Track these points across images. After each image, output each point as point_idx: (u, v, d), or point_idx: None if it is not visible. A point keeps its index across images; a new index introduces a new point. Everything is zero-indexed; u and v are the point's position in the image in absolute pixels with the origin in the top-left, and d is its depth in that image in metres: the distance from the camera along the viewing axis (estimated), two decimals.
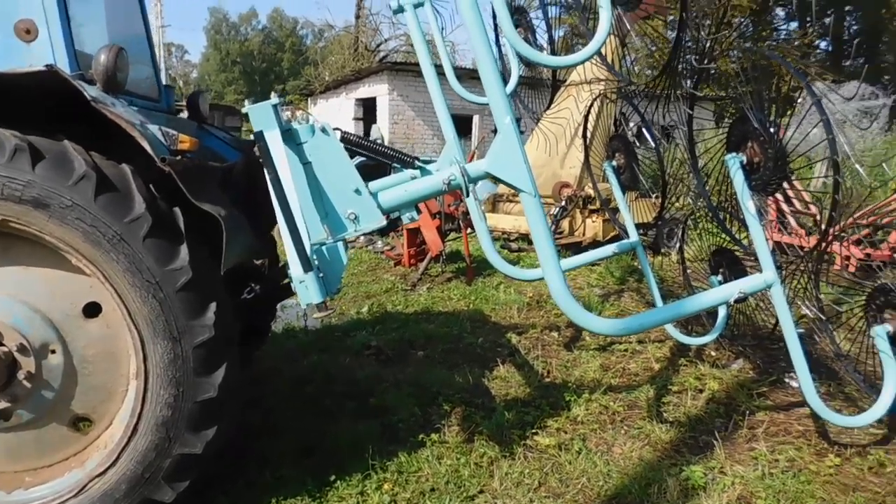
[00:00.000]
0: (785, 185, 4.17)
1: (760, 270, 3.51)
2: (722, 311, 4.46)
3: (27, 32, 2.66)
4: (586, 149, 5.90)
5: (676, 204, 6.02)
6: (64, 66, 2.68)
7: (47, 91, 2.40)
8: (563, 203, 8.89)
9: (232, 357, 2.68)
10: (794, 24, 33.02)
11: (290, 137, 2.56)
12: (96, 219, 2.38)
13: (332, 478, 3.32)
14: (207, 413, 2.62)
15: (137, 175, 2.48)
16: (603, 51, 3.81)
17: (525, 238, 9.42)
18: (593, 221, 9.14)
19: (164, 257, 2.45)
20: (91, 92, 2.36)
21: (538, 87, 5.74)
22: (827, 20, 34.69)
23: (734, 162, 3.46)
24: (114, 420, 2.74)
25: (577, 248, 8.82)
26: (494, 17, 4.93)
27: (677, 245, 5.93)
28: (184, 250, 2.48)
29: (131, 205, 2.42)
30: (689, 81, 4.06)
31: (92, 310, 2.63)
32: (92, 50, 2.97)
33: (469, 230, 7.79)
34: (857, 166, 3.38)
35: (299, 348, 5.47)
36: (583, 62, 3.00)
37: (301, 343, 5.63)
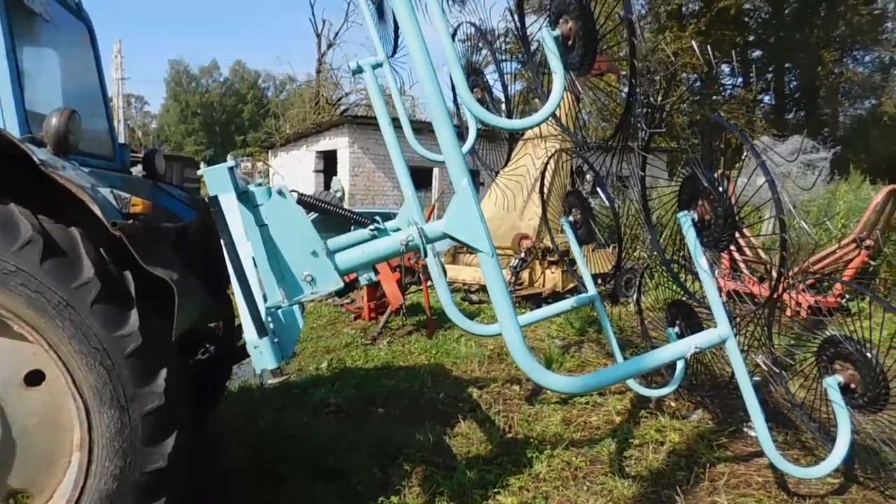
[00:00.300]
0: (736, 233, 4.32)
1: (715, 323, 3.58)
2: (680, 364, 4.51)
3: None
4: (543, 204, 6.00)
5: (633, 255, 6.14)
6: (14, 128, 2.64)
7: None
8: (523, 255, 8.97)
9: (183, 424, 2.59)
10: (740, 79, 34.75)
11: (246, 199, 2.54)
12: (41, 284, 2.31)
13: None
14: (156, 484, 2.51)
15: (87, 238, 2.42)
16: (557, 112, 3.91)
17: (486, 289, 9.43)
18: (552, 273, 9.23)
19: (112, 323, 2.38)
20: (40, 155, 2.32)
21: (495, 141, 5.85)
22: (769, 76, 36.58)
23: (686, 220, 3.55)
24: (54, 494, 2.60)
25: (537, 299, 8.88)
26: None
27: (635, 295, 6.02)
28: (133, 315, 2.41)
29: (79, 270, 2.35)
30: (640, 139, 4.18)
31: (34, 378, 2.52)
32: (45, 110, 2.93)
33: (429, 283, 7.79)
34: (803, 223, 3.51)
35: (256, 407, 5.33)
36: (537, 125, 3.07)
37: (257, 401, 5.49)
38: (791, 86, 37.59)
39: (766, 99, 36.03)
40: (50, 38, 3.34)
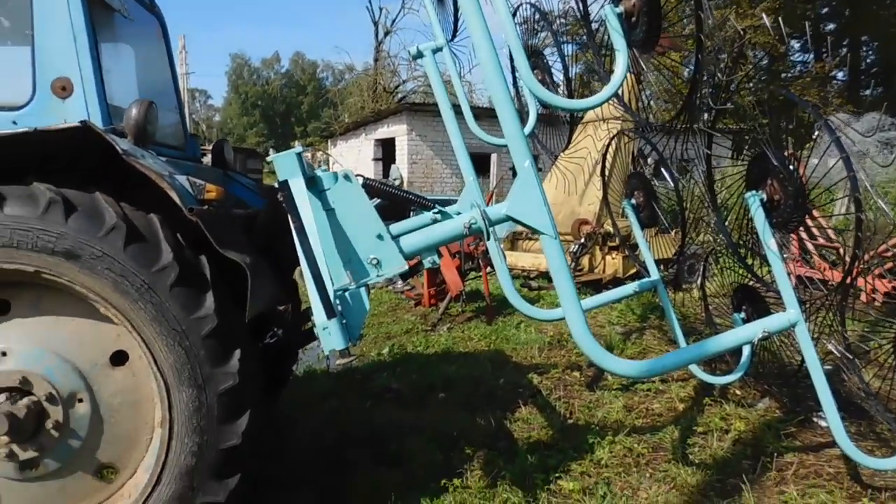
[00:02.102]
0: (806, 218, 4.15)
1: (784, 307, 3.47)
2: (746, 350, 4.39)
3: (63, 89, 2.76)
4: (605, 187, 5.92)
5: (697, 239, 6.00)
6: (97, 120, 2.77)
7: (81, 145, 2.48)
8: (583, 240, 8.88)
9: (256, 404, 2.70)
10: (810, 56, 33.07)
11: (313, 185, 2.61)
12: (125, 268, 2.43)
13: None
14: (231, 461, 2.63)
15: (165, 224, 2.54)
16: (619, 91, 3.85)
17: (545, 276, 9.41)
18: (613, 258, 9.11)
19: (190, 305, 2.49)
20: (122, 145, 2.44)
21: (555, 125, 5.80)
22: (843, 51, 34.79)
23: (754, 200, 3.45)
24: (138, 469, 2.75)
25: (598, 285, 8.78)
26: (511, 58, 5.03)
27: (699, 281, 5.88)
28: (209, 298, 2.52)
29: (159, 254, 2.47)
30: (706, 119, 4.07)
31: (119, 358, 2.67)
32: (122, 102, 3.08)
33: (489, 269, 7.80)
34: (880, 202, 3.35)
35: (320, 392, 5.46)
36: (600, 105, 3.04)
37: (321, 386, 5.63)
38: (867, 61, 35.61)
39: (840, 75, 34.19)
40: (126, 34, 3.50)
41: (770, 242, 3.39)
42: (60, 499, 2.73)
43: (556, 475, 3.82)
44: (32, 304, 2.63)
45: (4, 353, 2.58)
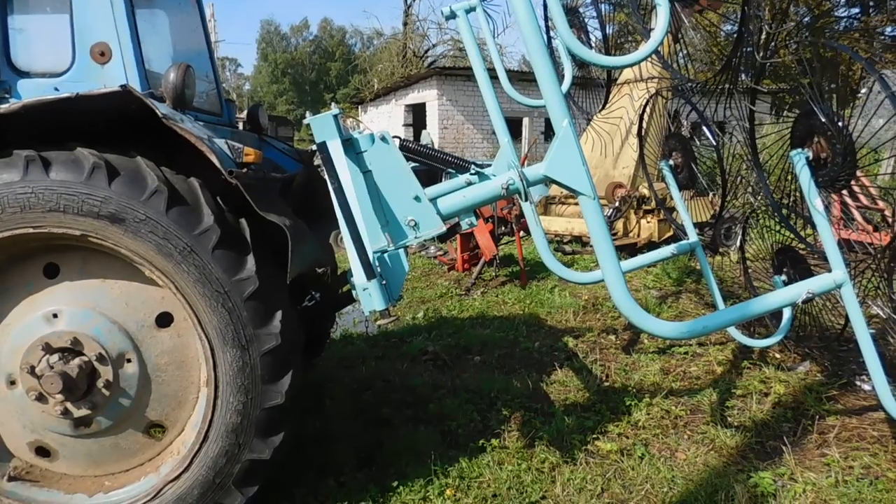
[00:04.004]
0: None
1: (826, 269, 3.38)
2: (787, 313, 4.31)
3: (102, 55, 2.79)
4: (641, 148, 5.81)
5: (735, 202, 5.87)
6: (135, 85, 2.79)
7: (121, 110, 2.51)
8: (617, 204, 8.77)
9: (297, 364, 2.74)
10: (854, 10, 31.62)
11: (350, 146, 2.60)
12: (168, 231, 2.47)
13: (395, 483, 3.35)
14: (275, 419, 2.69)
15: (205, 188, 2.57)
16: (658, 48, 3.75)
17: (578, 240, 9.34)
18: (648, 222, 8.99)
19: (232, 267, 2.52)
20: (162, 109, 2.46)
21: (590, 87, 5.68)
22: (893, 4, 33.22)
23: (800, 158, 3.34)
24: (185, 427, 2.84)
25: (632, 250, 8.70)
26: (546, 18, 4.91)
27: (736, 244, 5.77)
28: (250, 260, 2.55)
29: (200, 217, 2.50)
30: (749, 76, 3.95)
31: (164, 320, 2.73)
32: (159, 68, 3.09)
33: (522, 233, 7.77)
34: None
35: (357, 354, 5.54)
36: (641, 61, 2.96)
37: (358, 349, 5.70)
38: None
39: (888, 30, 32.68)
40: (161, 0, 3.50)
41: (815, 202, 3.30)
42: (114, 455, 2.84)
43: (594, 436, 3.83)
44: (80, 267, 2.70)
45: (56, 315, 2.66)
